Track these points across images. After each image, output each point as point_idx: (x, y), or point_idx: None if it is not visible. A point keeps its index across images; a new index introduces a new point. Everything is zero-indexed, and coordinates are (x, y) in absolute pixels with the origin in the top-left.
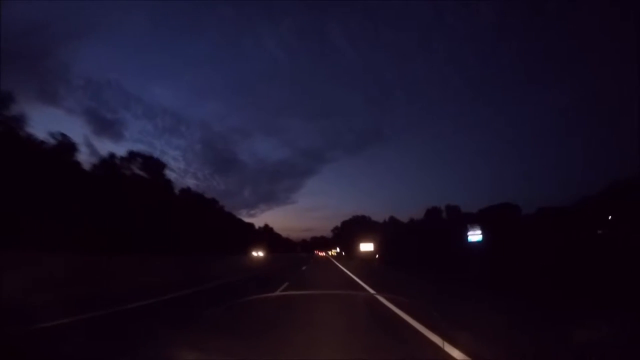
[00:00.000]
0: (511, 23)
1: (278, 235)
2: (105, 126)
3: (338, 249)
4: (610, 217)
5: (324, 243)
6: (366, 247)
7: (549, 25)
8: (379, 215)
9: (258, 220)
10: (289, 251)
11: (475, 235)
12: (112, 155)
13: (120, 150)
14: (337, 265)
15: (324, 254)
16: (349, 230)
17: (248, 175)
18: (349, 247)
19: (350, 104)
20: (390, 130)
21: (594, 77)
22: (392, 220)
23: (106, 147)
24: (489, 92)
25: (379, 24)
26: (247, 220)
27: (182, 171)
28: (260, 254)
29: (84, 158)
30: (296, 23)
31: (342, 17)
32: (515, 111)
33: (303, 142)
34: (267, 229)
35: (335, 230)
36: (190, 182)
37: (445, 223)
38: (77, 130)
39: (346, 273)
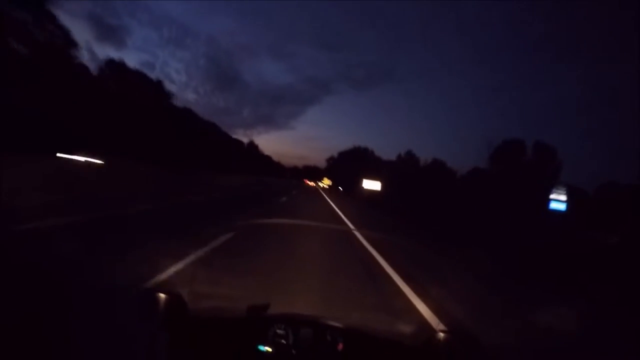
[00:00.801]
0: None
1: (268, 158)
2: (109, 32)
3: (330, 182)
4: None
5: (316, 173)
6: (371, 184)
7: None
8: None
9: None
10: (278, 176)
11: (559, 202)
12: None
13: (121, 57)
14: (326, 201)
15: (313, 184)
16: (347, 162)
17: (249, 96)
18: (347, 181)
19: (364, 40)
20: (403, 74)
21: None
22: (409, 157)
23: (108, 53)
24: (507, 56)
25: None
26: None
27: (183, 84)
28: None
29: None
30: None
31: None
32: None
33: (310, 70)
34: (252, 146)
35: (330, 160)
36: (190, 97)
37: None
38: (79, 34)
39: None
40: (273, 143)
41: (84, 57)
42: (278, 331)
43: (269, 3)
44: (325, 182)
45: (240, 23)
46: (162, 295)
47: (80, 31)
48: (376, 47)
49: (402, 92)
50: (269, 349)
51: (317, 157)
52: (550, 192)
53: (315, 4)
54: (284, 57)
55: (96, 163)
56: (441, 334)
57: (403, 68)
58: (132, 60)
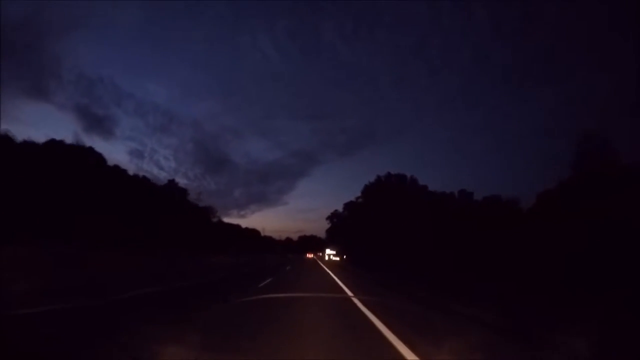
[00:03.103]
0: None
1: (253, 233)
2: (96, 123)
3: (334, 252)
4: None
5: (316, 243)
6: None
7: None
8: None
9: (248, 221)
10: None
11: None
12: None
13: (110, 147)
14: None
15: (312, 255)
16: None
17: (239, 176)
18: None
19: (343, 105)
20: (383, 132)
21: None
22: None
23: (96, 144)
24: (482, 96)
25: (374, 26)
26: (235, 221)
27: (173, 170)
28: None
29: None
30: (291, 23)
31: (336, 17)
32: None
33: (295, 143)
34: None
35: (333, 218)
36: (181, 181)
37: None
38: (67, 126)
39: None
40: (268, 220)
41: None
42: None
43: (247, 83)
44: (328, 255)
45: (223, 104)
46: None
47: (67, 123)
48: (354, 109)
49: (384, 151)
50: None
51: (314, 228)
52: None
53: (292, 78)
54: (268, 134)
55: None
56: None
57: (382, 127)
58: (120, 149)
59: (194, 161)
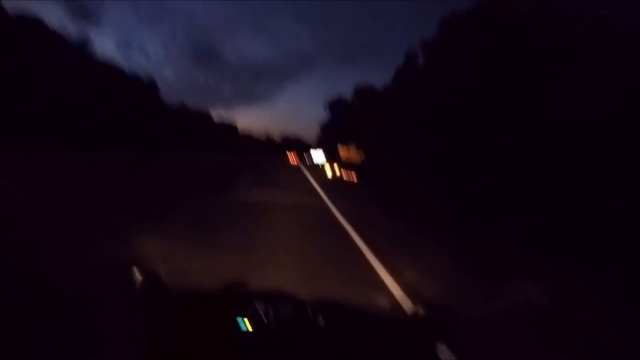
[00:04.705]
0: None
1: (230, 130)
2: (83, 9)
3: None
4: None
5: (300, 146)
6: None
7: None
8: None
9: (234, 117)
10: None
11: None
12: None
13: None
14: None
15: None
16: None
17: (229, 72)
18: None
19: (345, 13)
20: (384, 46)
21: None
22: None
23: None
24: None
25: None
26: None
27: (161, 61)
28: None
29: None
30: None
31: None
32: None
33: (291, 44)
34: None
35: (334, 108)
36: (169, 73)
37: None
38: (52, 11)
39: None
40: (254, 119)
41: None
42: (258, 308)
43: None
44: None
45: None
46: (138, 273)
47: (53, 9)
48: (356, 20)
49: (382, 67)
50: (249, 326)
51: (302, 134)
52: None
53: None
54: (264, 31)
55: None
56: (422, 309)
57: (382, 42)
58: (108, 37)
59: (183, 54)
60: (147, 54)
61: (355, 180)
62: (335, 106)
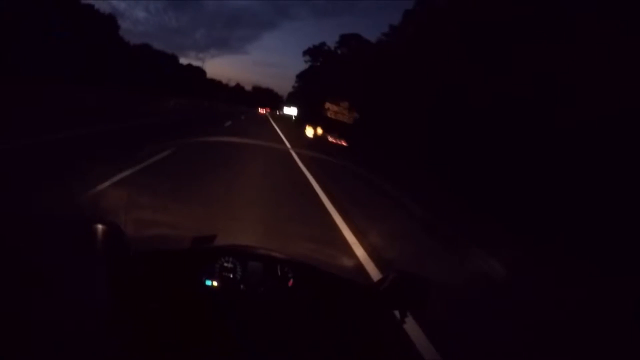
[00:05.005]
0: None
1: (196, 74)
2: None
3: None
4: None
5: (271, 100)
6: None
7: None
8: None
9: (206, 65)
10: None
11: None
12: None
13: None
14: None
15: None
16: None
17: (203, 16)
18: None
19: None
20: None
21: None
22: None
23: None
24: None
25: None
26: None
27: (133, 1)
28: None
29: None
30: None
31: None
32: None
33: None
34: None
35: (316, 56)
36: (141, 15)
37: None
38: None
39: None
40: (227, 68)
41: None
42: (225, 264)
43: None
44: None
45: None
46: (98, 226)
47: None
48: None
49: (366, 24)
50: (215, 283)
51: (275, 85)
52: None
53: None
54: None
55: None
56: (394, 274)
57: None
58: None
59: None
60: None
61: (344, 144)
62: (316, 54)
